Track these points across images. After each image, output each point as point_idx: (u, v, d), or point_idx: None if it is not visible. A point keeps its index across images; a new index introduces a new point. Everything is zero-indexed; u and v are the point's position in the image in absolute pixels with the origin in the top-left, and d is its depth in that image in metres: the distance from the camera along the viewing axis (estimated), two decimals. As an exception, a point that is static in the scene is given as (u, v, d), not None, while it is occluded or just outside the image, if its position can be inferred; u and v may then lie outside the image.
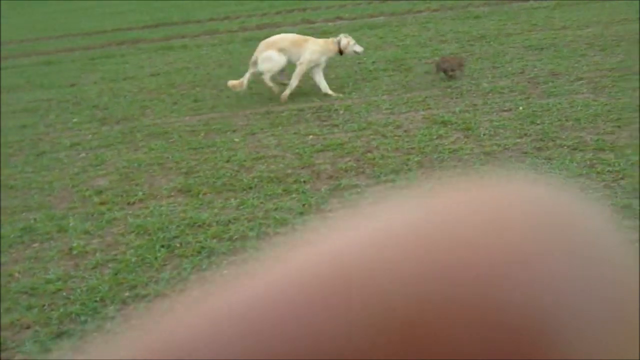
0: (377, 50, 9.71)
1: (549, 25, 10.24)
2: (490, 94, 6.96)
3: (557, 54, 8.37)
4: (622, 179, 4.79)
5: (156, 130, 7.13)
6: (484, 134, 5.83)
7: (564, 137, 5.61)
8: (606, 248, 0.21)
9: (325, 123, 6.64)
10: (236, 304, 0.20)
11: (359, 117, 6.67)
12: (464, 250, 0.20)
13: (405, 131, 6.12)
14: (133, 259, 4.35)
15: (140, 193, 5.45)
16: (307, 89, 7.78)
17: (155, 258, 4.33)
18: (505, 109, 6.46)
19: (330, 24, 12.83)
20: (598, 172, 4.92)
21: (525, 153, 5.37)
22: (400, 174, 5.15)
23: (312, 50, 7.50)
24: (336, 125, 6.51)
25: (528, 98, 6.70)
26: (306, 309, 0.19)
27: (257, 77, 7.59)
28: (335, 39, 7.68)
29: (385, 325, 0.19)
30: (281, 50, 7.51)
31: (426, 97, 7.08)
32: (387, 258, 0.20)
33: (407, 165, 5.32)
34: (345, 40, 7.61)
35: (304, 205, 4.83)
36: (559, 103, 6.44)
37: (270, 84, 7.46)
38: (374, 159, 5.53)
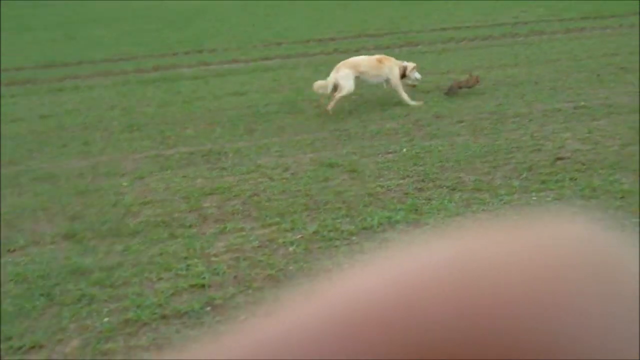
0: (270, 92, 9.85)
1: (435, 69, 10.67)
2: (377, 136, 7.19)
3: (441, 97, 8.73)
4: (496, 217, 5.02)
5: (42, 174, 6.98)
6: (369, 176, 6.01)
7: (443, 177, 5.86)
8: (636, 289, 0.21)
9: (214, 166, 6.68)
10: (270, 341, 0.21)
11: (248, 159, 6.75)
12: (496, 292, 0.20)
13: (292, 174, 6.23)
14: (10, 309, 4.24)
15: (22, 240, 5.31)
16: (195, 133, 7.83)
17: (34, 307, 4.23)
18: (391, 150, 6.68)
19: (225, 66, 12.92)
20: (474, 212, 5.15)
21: (407, 194, 5.56)
22: (285, 217, 5.24)
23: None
24: (225, 168, 6.55)
25: (412, 140, 6.96)
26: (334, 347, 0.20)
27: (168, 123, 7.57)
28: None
29: None
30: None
31: (315, 139, 7.24)
32: (413, 299, 0.21)
33: (292, 207, 5.41)
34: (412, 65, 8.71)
35: (188, 249, 4.84)
36: (441, 145, 6.72)
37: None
38: (261, 202, 5.60)
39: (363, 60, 8.56)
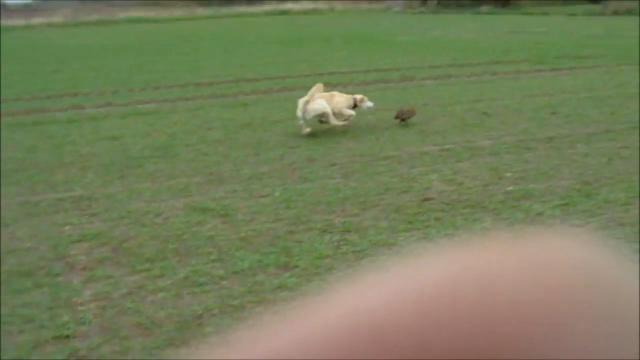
0: (145, 137, 9.75)
1: (310, 113, 10.89)
2: (250, 180, 7.26)
3: (314, 140, 8.94)
4: (363, 258, 5.19)
5: None
6: (241, 220, 6.05)
7: (314, 220, 5.98)
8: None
9: (84, 212, 6.53)
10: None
11: (119, 205, 6.64)
12: (495, 308, 0.21)
13: (164, 219, 6.18)
14: None
15: None
16: (66, 178, 7.65)
17: None
18: (263, 194, 6.76)
19: (100, 109, 12.68)
20: (343, 253, 5.29)
21: (278, 237, 5.63)
22: (155, 263, 5.19)
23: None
24: (95, 215, 6.42)
25: (285, 183, 7.07)
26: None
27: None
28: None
29: None
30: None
31: (189, 184, 7.23)
32: (419, 315, 0.21)
33: (163, 253, 5.37)
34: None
35: (53, 299, 4.70)
36: (313, 188, 6.87)
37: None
38: (131, 248, 5.53)
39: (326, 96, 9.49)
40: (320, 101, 9.27)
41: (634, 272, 0.22)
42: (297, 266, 5.05)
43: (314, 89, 9.34)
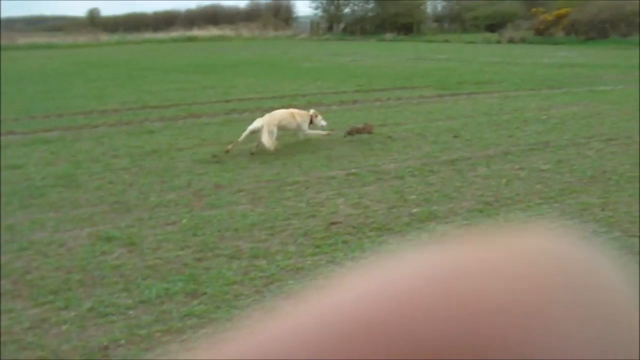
0: (48, 166, 9.50)
1: (217, 140, 10.90)
2: (156, 208, 7.19)
3: (222, 167, 8.95)
4: (272, 283, 5.22)
5: None
6: (147, 248, 5.98)
7: (222, 246, 5.98)
8: (617, 302, 0.22)
9: (-17, 245, 6.31)
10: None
11: (21, 236, 6.45)
12: (476, 301, 0.21)
13: (68, 249, 6.05)
14: None
15: None
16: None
17: None
18: (170, 222, 6.71)
19: (2, 138, 12.28)
20: (251, 279, 5.31)
21: (186, 264, 5.60)
22: (59, 294, 5.07)
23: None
24: (-5, 247, 6.22)
25: (192, 211, 7.04)
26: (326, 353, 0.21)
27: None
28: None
29: None
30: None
31: (93, 213, 7.09)
32: (402, 307, 0.21)
33: (67, 284, 5.25)
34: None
35: (-50, 335, 4.53)
36: (220, 214, 6.87)
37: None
38: (33, 280, 5.38)
39: (281, 114, 10.26)
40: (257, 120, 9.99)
41: (609, 262, 0.23)
42: (205, 293, 5.04)
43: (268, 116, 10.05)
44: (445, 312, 0.21)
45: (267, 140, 9.60)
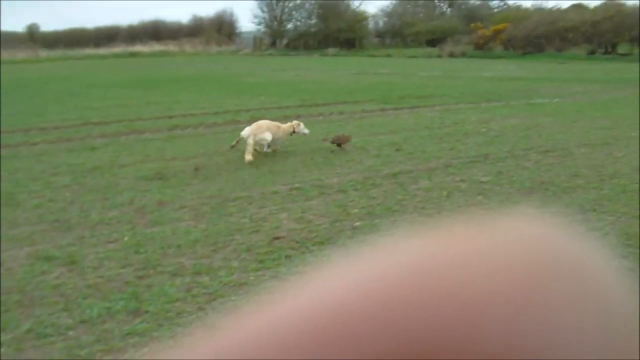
0: (-15, 185, 9.30)
1: (161, 156, 10.83)
2: (98, 226, 7.10)
3: (165, 183, 8.89)
4: (214, 299, 5.21)
5: None
6: (88, 267, 5.90)
7: (165, 263, 5.94)
8: (603, 290, 0.22)
9: None
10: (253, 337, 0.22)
11: (-44, 258, 6.30)
12: (460, 289, 0.21)
13: (6, 270, 5.92)
14: None
15: None
16: None
17: None
18: (112, 240, 6.63)
19: None
20: (194, 295, 5.28)
21: (128, 282, 5.55)
22: (-4, 316, 4.96)
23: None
24: None
25: (134, 228, 6.97)
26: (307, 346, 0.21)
27: None
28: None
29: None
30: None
31: (33, 232, 6.96)
32: (386, 299, 0.21)
33: (5, 306, 5.14)
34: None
35: None
36: (163, 231, 6.82)
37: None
38: (-31, 302, 5.26)
39: (268, 124, 10.80)
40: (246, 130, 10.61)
41: (596, 250, 0.23)
42: (147, 311, 4.99)
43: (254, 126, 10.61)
44: (430, 302, 0.21)
45: (249, 150, 10.14)
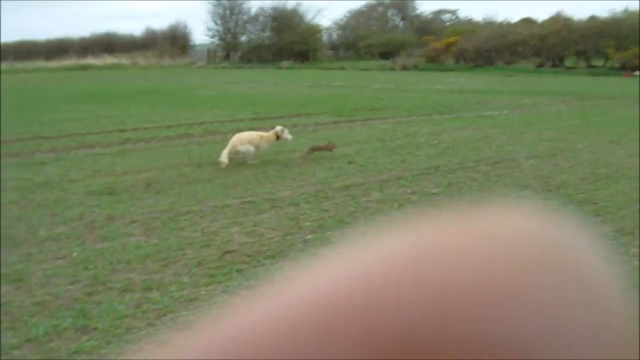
0: None
1: (112, 170, 10.72)
2: (46, 242, 6.99)
3: (115, 198, 8.80)
4: (164, 315, 5.17)
5: None
6: (35, 284, 5.81)
7: (114, 279, 5.88)
8: (594, 280, 0.22)
9: None
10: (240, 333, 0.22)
11: None
12: (453, 282, 0.20)
13: (-50, 288, 5.80)
14: None
15: None
16: None
17: None
18: (60, 256, 6.54)
19: None
20: (144, 311, 5.24)
21: (76, 299, 5.47)
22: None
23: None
24: None
25: (83, 243, 6.89)
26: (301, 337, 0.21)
27: None
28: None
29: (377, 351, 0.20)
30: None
31: (-22, 249, 6.83)
32: (380, 288, 0.21)
33: (-53, 325, 5.04)
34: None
35: None
36: (113, 247, 6.75)
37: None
38: None
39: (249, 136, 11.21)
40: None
41: (586, 242, 0.23)
42: (96, 328, 4.94)
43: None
44: (418, 295, 0.20)
45: (224, 156, 10.56)
